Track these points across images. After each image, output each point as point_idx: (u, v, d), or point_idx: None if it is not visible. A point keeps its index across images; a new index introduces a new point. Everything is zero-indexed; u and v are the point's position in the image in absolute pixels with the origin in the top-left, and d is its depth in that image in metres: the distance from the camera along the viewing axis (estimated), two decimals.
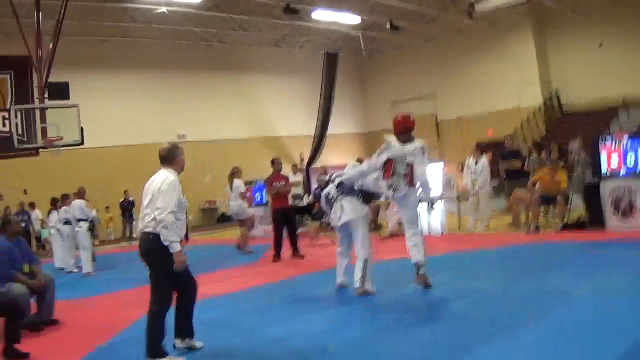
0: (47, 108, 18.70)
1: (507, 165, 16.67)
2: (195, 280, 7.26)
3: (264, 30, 32.45)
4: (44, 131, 18.52)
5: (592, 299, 7.75)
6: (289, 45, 35.93)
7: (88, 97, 24.06)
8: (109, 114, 28.77)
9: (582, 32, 31.46)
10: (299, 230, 17.06)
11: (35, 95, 20.00)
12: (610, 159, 13.64)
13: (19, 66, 23.83)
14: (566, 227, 14.22)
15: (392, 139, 9.40)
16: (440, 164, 17.95)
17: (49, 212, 18.67)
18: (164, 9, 26.53)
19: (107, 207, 28.02)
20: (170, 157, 7.07)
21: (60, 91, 19.13)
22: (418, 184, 9.45)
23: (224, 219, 31.70)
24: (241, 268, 14.60)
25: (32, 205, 24.45)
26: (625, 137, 13.76)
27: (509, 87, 32.50)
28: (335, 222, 10.05)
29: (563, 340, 6.17)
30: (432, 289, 9.26)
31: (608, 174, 13.66)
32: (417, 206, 9.84)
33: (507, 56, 33.11)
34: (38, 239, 25.04)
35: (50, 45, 18.92)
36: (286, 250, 15.03)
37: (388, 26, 31.11)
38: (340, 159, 34.78)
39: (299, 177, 22.11)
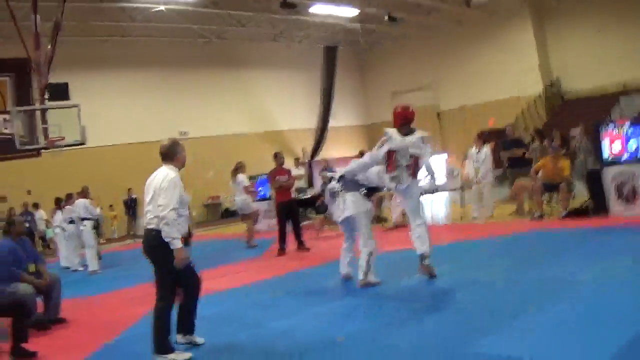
0: (48, 109, 18.70)
1: (510, 153, 16.65)
2: (199, 276, 7.25)
3: (262, 26, 32.46)
4: (45, 132, 18.54)
5: (596, 287, 7.73)
6: (288, 40, 35.94)
7: (88, 97, 24.10)
8: (110, 113, 28.82)
9: (581, 19, 31.45)
10: (304, 223, 17.09)
11: (36, 96, 20.02)
12: (612, 145, 13.64)
13: (18, 68, 23.82)
14: (570, 214, 14.19)
15: (393, 132, 9.38)
16: (444, 155, 17.93)
17: (53, 212, 18.70)
18: (161, 8, 26.55)
19: (111, 206, 28.07)
20: (170, 153, 7.06)
21: (60, 92, 19.19)
22: (424, 174, 9.46)
23: (228, 214, 31.82)
24: (246, 262, 14.63)
25: (36, 206, 24.49)
26: (627, 123, 13.74)
27: (509, 76, 32.46)
28: (337, 217, 10.07)
29: (567, 329, 6.15)
30: (437, 279, 9.26)
31: (610, 159, 13.66)
32: (420, 197, 9.84)
33: (506, 45, 33.09)
34: (43, 238, 25.10)
35: (49, 47, 18.93)
36: (291, 243, 15.04)
37: (386, 18, 31.10)
38: (343, 151, 34.82)
39: (301, 171, 22.14)
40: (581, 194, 15.23)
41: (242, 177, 17.21)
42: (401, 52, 38.35)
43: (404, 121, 9.47)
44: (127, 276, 14.05)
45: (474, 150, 16.86)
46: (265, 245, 16.72)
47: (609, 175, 13.42)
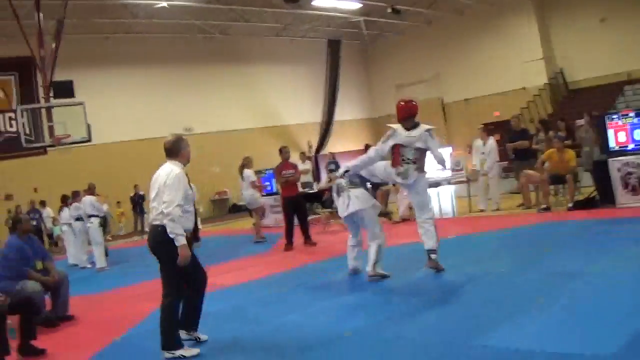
0: (53, 107, 18.77)
1: (515, 145, 16.60)
2: (205, 272, 7.26)
3: (265, 21, 32.38)
4: (51, 130, 18.61)
5: (604, 278, 7.72)
6: (291, 35, 35.87)
7: (93, 94, 24.19)
8: (115, 110, 28.80)
9: (584, 9, 31.33)
10: (310, 218, 17.10)
11: (41, 94, 20.09)
12: (617, 135, 13.63)
13: (22, 67, 23.98)
14: (576, 205, 14.16)
15: (397, 127, 9.36)
16: (449, 149, 17.91)
17: (60, 210, 18.73)
18: (164, 4, 26.51)
19: (118, 202, 28.10)
20: (175, 149, 7.04)
21: (65, 89, 19.21)
22: (436, 167, 9.46)
23: (235, 210, 31.84)
24: (254, 257, 14.62)
25: (42, 204, 24.51)
26: (633, 113, 13.72)
27: (513, 67, 32.35)
28: (341, 212, 10.07)
29: (575, 321, 6.16)
30: (445, 272, 9.26)
31: (617, 148, 13.64)
32: (427, 191, 9.83)
33: (510, 36, 33.01)
34: (50, 236, 25.13)
35: (53, 45, 18.96)
36: (298, 238, 15.04)
37: (389, 10, 31.05)
38: (348, 145, 34.86)
39: (307, 165, 22.15)
40: (588, 185, 15.21)
41: (248, 172, 17.23)
42: (405, 45, 38.27)
43: (408, 115, 9.43)
44: (135, 273, 14.07)
45: (479, 142, 16.86)
46: (273, 240, 16.73)
47: (615, 166, 13.38)
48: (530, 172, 15.41)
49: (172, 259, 6.62)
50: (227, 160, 29.29)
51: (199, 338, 7.17)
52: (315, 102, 36.57)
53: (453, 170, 17.52)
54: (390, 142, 9.30)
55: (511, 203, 16.85)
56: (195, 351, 6.80)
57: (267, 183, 20.12)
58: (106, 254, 16.58)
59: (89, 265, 16.81)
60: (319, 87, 36.62)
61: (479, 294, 7.94)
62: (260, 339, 7.25)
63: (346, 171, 9.88)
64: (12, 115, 23.96)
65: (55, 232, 24.37)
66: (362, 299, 8.62)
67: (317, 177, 27.38)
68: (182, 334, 7.06)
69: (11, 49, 22.00)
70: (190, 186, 7.03)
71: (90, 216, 16.06)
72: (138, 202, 27.02)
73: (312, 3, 29.82)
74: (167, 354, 6.67)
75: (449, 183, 17.95)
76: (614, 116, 14.00)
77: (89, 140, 19.30)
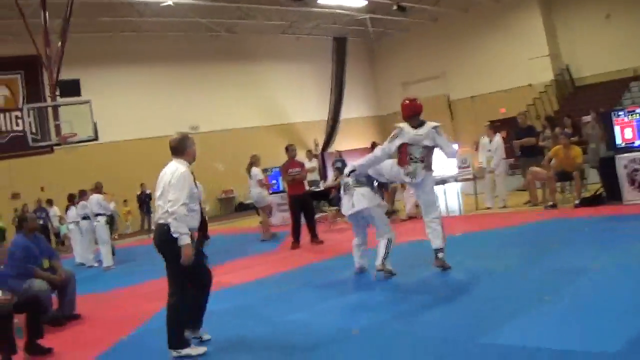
0: (59, 105, 18.81)
1: (522, 142, 16.55)
2: (210, 271, 7.25)
3: (271, 18, 32.37)
4: (57, 128, 18.64)
5: (610, 275, 7.71)
6: (297, 32, 35.86)
7: (99, 92, 24.22)
8: (121, 109, 28.84)
9: (589, 4, 31.29)
10: (317, 216, 17.10)
11: (47, 93, 20.14)
12: (624, 132, 13.60)
13: (29, 66, 24.04)
14: (583, 202, 14.14)
15: (404, 125, 9.34)
16: (455, 146, 17.90)
17: (67, 208, 18.76)
18: (170, 2, 26.51)
19: (125, 201, 28.14)
20: (180, 147, 7.03)
21: (71, 88, 19.29)
22: (448, 160, 9.47)
23: (241, 208, 31.86)
24: (261, 256, 14.63)
25: (49, 202, 24.55)
26: (639, 110, 13.68)
27: (519, 64, 32.27)
28: (346, 211, 10.06)
29: (582, 318, 6.14)
30: (452, 270, 9.24)
31: (623, 145, 13.61)
32: (434, 190, 9.81)
33: (515, 33, 32.93)
34: (57, 235, 25.16)
35: (59, 44, 18.99)
36: (305, 236, 15.04)
37: (395, 7, 31.02)
38: (355, 143, 34.85)
39: (314, 163, 22.14)
40: (595, 181, 15.18)
41: (256, 171, 17.27)
42: (411, 42, 38.23)
43: (413, 113, 9.43)
44: (142, 271, 14.07)
45: (485, 139, 16.83)
46: (280, 239, 16.75)
47: (622, 163, 13.35)
48: (537, 169, 15.38)
49: (178, 257, 6.61)
50: (233, 159, 29.34)
51: (203, 337, 7.16)
52: (322, 100, 36.56)
53: (459, 167, 17.51)
54: (398, 142, 9.26)
55: (518, 200, 16.83)
56: (201, 350, 6.80)
57: (274, 181, 20.12)
58: (113, 253, 16.61)
59: (95, 264, 16.84)
60: (325, 84, 36.62)
61: (485, 291, 7.93)
62: (267, 337, 7.25)
63: (352, 170, 9.87)
64: (19, 114, 24.05)
65: (62, 231, 24.39)
66: (368, 298, 8.62)
67: (323, 175, 27.36)
68: (186, 333, 7.05)
69: (17, 47, 22.07)
70: (196, 184, 7.02)
71: (97, 215, 16.10)
72: (145, 201, 27.05)
73: (318, 1, 29.79)
74: (174, 353, 6.67)
75: (456, 180, 17.95)
76: (620, 113, 13.99)
77: (96, 139, 19.33)
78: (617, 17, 29.91)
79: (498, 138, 16.71)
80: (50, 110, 19.16)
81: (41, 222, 21.91)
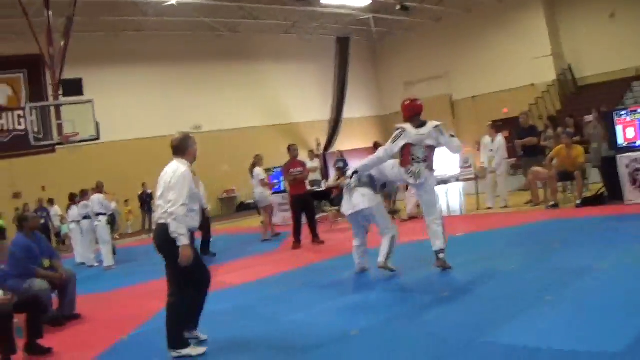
0: (61, 105, 18.83)
1: (524, 142, 16.54)
2: (209, 272, 7.23)
3: (274, 18, 32.41)
4: (59, 128, 18.66)
5: (612, 275, 7.69)
6: (300, 32, 35.87)
7: (102, 92, 24.21)
8: (124, 108, 28.87)
9: (592, 4, 31.33)
10: (318, 216, 17.09)
11: (50, 92, 20.15)
12: (626, 131, 13.59)
13: (32, 65, 24.04)
14: (584, 202, 14.12)
15: (406, 126, 9.33)
16: (458, 140, 17.88)
17: (68, 208, 18.76)
18: (173, 2, 26.53)
19: (126, 201, 28.15)
20: (182, 147, 7.01)
21: (74, 87, 19.27)
22: (450, 161, 9.47)
23: (243, 208, 31.88)
24: (262, 256, 14.63)
25: (51, 202, 24.56)
26: None
27: (522, 64, 32.31)
28: (346, 210, 10.06)
29: (583, 318, 6.13)
30: (453, 270, 9.24)
31: (625, 145, 13.60)
32: (435, 190, 9.80)
33: (518, 32, 32.96)
34: (58, 234, 25.17)
35: (62, 43, 19.00)
36: (306, 236, 15.02)
37: (398, 7, 31.03)
38: (357, 143, 34.86)
39: (316, 163, 22.13)
40: (597, 181, 15.17)
41: (258, 170, 17.30)
42: (413, 42, 38.27)
43: (414, 113, 9.43)
44: (142, 271, 14.07)
45: (487, 139, 16.82)
46: (281, 239, 16.75)
47: (623, 162, 13.33)
48: (538, 169, 15.36)
49: (177, 258, 6.59)
50: (236, 159, 29.42)
51: (199, 337, 7.14)
52: (324, 99, 36.57)
53: (461, 167, 17.49)
54: (401, 142, 9.24)
55: (519, 200, 16.81)
56: (201, 350, 6.79)
57: (276, 181, 20.11)
58: (114, 253, 16.62)
59: (96, 264, 16.86)
60: (328, 84, 36.62)
61: (486, 291, 7.91)
62: (267, 337, 7.24)
63: (355, 172, 9.85)
64: (21, 113, 24.05)
65: (63, 231, 24.40)
66: (369, 298, 8.61)
67: (325, 175, 27.35)
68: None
69: (20, 46, 22.07)
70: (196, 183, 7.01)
71: (98, 214, 16.09)
72: (146, 201, 27.08)
73: (321, 0, 29.81)
74: (174, 353, 6.66)
75: (457, 180, 17.94)
76: (623, 112, 13.97)
77: (98, 138, 19.37)
78: (621, 17, 29.94)
79: (500, 138, 16.69)
80: (52, 109, 19.20)
81: (42, 221, 21.93)
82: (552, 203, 14.76)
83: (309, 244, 14.83)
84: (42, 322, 7.87)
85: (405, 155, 9.28)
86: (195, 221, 6.91)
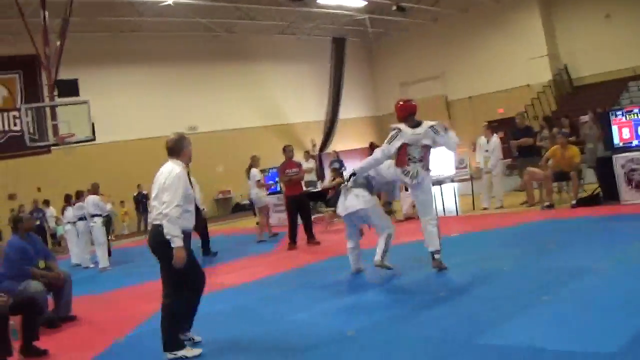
0: (57, 105, 18.79)
1: (519, 142, 16.56)
2: (203, 273, 7.21)
3: (270, 19, 32.40)
4: (55, 129, 18.62)
5: (609, 274, 7.69)
6: (296, 33, 35.88)
7: (98, 93, 24.21)
8: (120, 109, 28.87)
9: (588, 4, 31.41)
10: (314, 217, 17.09)
11: (45, 93, 20.12)
12: (621, 131, 13.61)
13: (27, 65, 24.00)
14: (580, 202, 14.13)
15: (402, 126, 9.33)
16: (454, 136, 17.90)
17: (64, 209, 18.74)
18: (169, 2, 26.53)
19: (122, 202, 28.14)
20: (177, 148, 7.00)
21: (69, 88, 19.22)
22: (446, 161, 9.50)
23: (238, 209, 31.88)
24: (257, 257, 14.63)
25: (46, 203, 24.54)
26: (637, 110, 13.69)
27: (518, 64, 32.37)
28: (341, 211, 10.05)
29: (580, 318, 6.13)
30: (449, 270, 9.25)
31: (621, 145, 13.62)
32: (431, 190, 9.81)
33: (514, 33, 33.03)
34: (53, 236, 25.16)
35: (58, 43, 18.98)
36: (302, 237, 15.02)
37: (394, 8, 31.05)
38: (352, 143, 34.89)
39: (311, 164, 22.14)
40: (592, 182, 15.18)
41: (254, 171, 17.34)
42: (409, 43, 38.30)
43: (408, 113, 9.43)
44: (138, 273, 14.08)
45: (483, 139, 16.83)
46: (276, 240, 16.75)
47: (619, 163, 13.35)
48: (534, 169, 15.37)
49: (172, 259, 6.59)
50: (231, 159, 29.41)
51: (193, 339, 7.13)
52: (320, 100, 36.61)
53: (457, 168, 17.51)
54: (397, 143, 9.23)
55: (515, 201, 16.82)
56: (197, 351, 6.77)
57: (272, 182, 20.10)
58: (109, 254, 16.61)
59: (92, 265, 16.84)
60: (324, 85, 36.66)
61: (483, 292, 7.90)
62: (263, 338, 7.24)
63: (353, 174, 9.84)
64: (17, 114, 23.99)
65: (58, 232, 24.39)
66: (365, 298, 8.60)
67: (321, 176, 27.35)
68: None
69: (16, 47, 22.04)
70: (192, 184, 7.00)
71: (93, 216, 16.07)
72: (141, 202, 27.09)
73: (317, 1, 29.83)
74: (170, 355, 6.65)
75: (453, 181, 17.94)
76: (618, 112, 13.99)
77: (93, 139, 19.33)
78: (617, 17, 30.01)
79: (496, 138, 16.71)
80: (48, 110, 19.14)
81: (38, 222, 21.93)
82: (547, 203, 14.78)
83: (305, 245, 14.82)
84: (37, 324, 7.86)
85: (402, 155, 9.27)
86: (190, 222, 6.91)
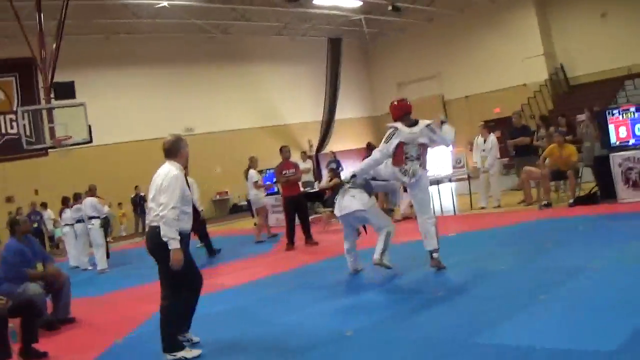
0: (53, 108, 18.75)
1: (516, 142, 16.58)
2: (200, 274, 7.23)
3: (266, 20, 32.40)
4: (52, 131, 18.58)
5: (606, 273, 7.71)
6: (292, 33, 35.88)
7: (94, 95, 24.17)
8: (116, 111, 28.81)
9: (584, 3, 31.44)
10: (312, 217, 17.10)
11: (42, 95, 20.06)
12: (618, 130, 13.64)
13: (23, 68, 23.92)
14: (577, 201, 14.15)
15: (398, 125, 9.34)
16: (450, 131, 17.90)
17: (61, 211, 18.72)
18: (165, 3, 26.50)
19: (119, 204, 28.13)
20: (174, 149, 7.01)
21: (66, 90, 19.17)
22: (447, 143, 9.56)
23: (236, 210, 31.87)
24: (255, 258, 14.63)
25: (44, 205, 24.51)
26: (633, 108, 13.72)
27: (514, 64, 32.36)
28: (337, 211, 10.06)
29: (577, 317, 6.14)
30: (447, 270, 9.26)
31: (617, 144, 13.65)
32: (429, 189, 9.82)
33: (510, 32, 33.03)
34: (51, 238, 25.14)
35: (54, 46, 18.94)
36: (299, 238, 15.02)
37: (390, 8, 31.05)
38: (349, 143, 34.88)
39: (308, 164, 22.14)
40: (589, 181, 15.20)
41: (252, 172, 17.37)
42: (405, 43, 38.29)
43: (403, 113, 9.45)
44: (136, 274, 14.06)
45: (480, 139, 16.85)
46: (274, 240, 16.76)
47: (616, 161, 13.37)
48: (531, 168, 15.39)
49: (169, 260, 6.59)
50: (228, 160, 29.40)
51: (192, 339, 7.14)
52: (316, 100, 36.58)
53: (454, 167, 17.52)
54: (395, 141, 9.24)
55: (512, 200, 16.84)
56: (196, 352, 6.78)
57: (269, 182, 20.11)
58: (107, 256, 16.60)
59: (90, 267, 16.83)
60: (320, 85, 36.64)
61: (480, 291, 7.92)
62: (262, 339, 7.25)
63: (353, 176, 9.85)
64: (13, 116, 23.94)
65: (56, 234, 24.37)
66: (363, 299, 8.61)
67: (318, 176, 27.35)
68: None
69: (12, 50, 21.97)
70: (188, 184, 7.01)
71: (91, 218, 16.06)
72: (139, 203, 27.06)
73: (313, 1, 29.82)
74: (169, 356, 6.65)
75: (450, 180, 17.95)
76: (615, 111, 14.02)
77: (90, 142, 19.28)
78: (612, 16, 30.02)
79: (492, 138, 16.72)
80: (44, 112, 19.10)
81: (35, 225, 21.91)
82: (544, 202, 14.79)
83: (303, 246, 14.83)
84: (37, 327, 7.85)
85: (399, 154, 9.28)
86: (188, 224, 6.91)
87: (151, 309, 8.47)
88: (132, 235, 27.69)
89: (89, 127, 18.69)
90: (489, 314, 6.75)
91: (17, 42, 19.83)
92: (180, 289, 6.85)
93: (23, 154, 21.48)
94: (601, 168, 14.02)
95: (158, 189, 6.73)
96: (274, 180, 18.27)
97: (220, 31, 32.65)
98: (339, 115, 37.11)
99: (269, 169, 20.28)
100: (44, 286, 9.16)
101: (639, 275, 7.38)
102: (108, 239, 18.95)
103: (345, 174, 10.36)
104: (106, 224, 17.85)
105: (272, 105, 35.62)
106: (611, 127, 13.77)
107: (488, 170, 16.51)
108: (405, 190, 12.03)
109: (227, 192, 33.11)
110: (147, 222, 7.04)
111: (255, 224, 17.94)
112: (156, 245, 6.69)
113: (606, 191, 13.80)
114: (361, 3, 31.49)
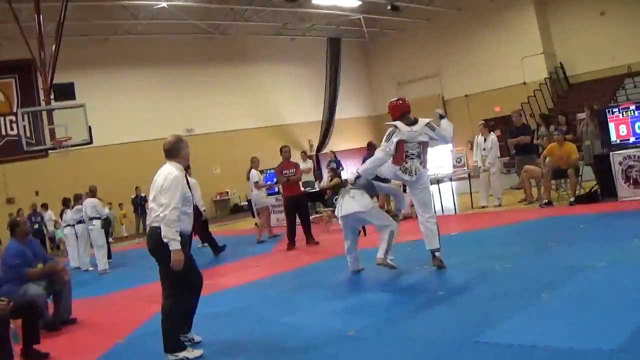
0: (53, 109, 18.77)
1: (516, 140, 16.57)
2: (201, 274, 7.25)
3: (265, 20, 32.40)
4: (52, 132, 18.59)
5: (607, 272, 7.70)
6: (292, 33, 35.87)
7: (94, 96, 24.18)
8: (116, 112, 28.82)
9: (583, 2, 31.46)
10: (312, 217, 17.09)
11: (41, 97, 20.07)
12: (618, 128, 13.64)
13: (23, 69, 23.93)
14: (578, 200, 14.14)
15: (398, 123, 9.34)
16: (449, 145, 17.92)
17: (62, 212, 18.72)
18: (164, 4, 26.52)
19: (120, 204, 28.13)
20: (174, 150, 7.00)
21: (66, 92, 19.19)
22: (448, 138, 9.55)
23: (236, 210, 31.88)
24: (256, 258, 14.62)
25: (44, 207, 24.50)
26: (633, 106, 13.72)
27: (513, 62, 32.42)
28: (338, 212, 10.05)
29: (579, 315, 6.13)
30: (448, 269, 9.25)
31: (618, 141, 13.65)
32: (429, 187, 9.82)
33: (509, 31, 33.05)
34: (52, 239, 25.13)
35: (53, 47, 18.95)
36: (300, 238, 15.01)
37: (389, 7, 31.06)
38: (349, 143, 34.88)
39: (309, 164, 22.14)
40: (589, 179, 15.19)
41: (253, 173, 17.35)
42: (405, 42, 38.29)
43: (402, 112, 9.46)
44: (137, 275, 14.07)
45: (480, 138, 16.85)
46: (275, 240, 16.75)
47: (616, 160, 13.36)
48: (532, 167, 15.39)
49: (170, 261, 6.60)
50: (229, 161, 29.41)
51: (193, 339, 7.15)
52: (316, 100, 36.55)
53: (454, 166, 17.51)
54: (395, 139, 9.24)
55: (513, 199, 16.83)
56: (198, 352, 6.78)
57: (270, 182, 20.11)
58: (109, 257, 16.60)
59: (91, 268, 16.82)
60: (320, 85, 36.60)
61: (481, 291, 7.91)
62: (263, 339, 7.25)
63: (357, 177, 9.83)
64: (13, 118, 23.95)
65: (57, 235, 24.34)
66: (364, 298, 8.62)
67: (318, 176, 27.34)
68: None
69: (12, 51, 21.98)
70: (189, 184, 7.01)
71: (91, 219, 16.06)
72: (140, 204, 27.03)
73: (312, 1, 29.83)
74: (171, 356, 6.65)
75: (451, 179, 17.94)
76: (615, 109, 14.02)
77: (90, 143, 19.30)
78: (612, 14, 30.05)
79: (493, 137, 16.71)
80: (44, 114, 19.12)
81: (36, 226, 21.92)
82: (545, 201, 14.77)
83: (304, 246, 14.81)
84: (38, 328, 7.85)
85: (400, 152, 9.27)
86: (188, 225, 6.91)
87: (153, 310, 8.48)
88: (133, 235, 27.68)
89: (89, 128, 18.71)
90: (491, 313, 6.74)
91: (17, 43, 19.84)
92: (181, 288, 6.85)
93: (23, 156, 21.50)
94: (601, 166, 14.01)
95: (159, 189, 6.72)
96: (275, 180, 18.27)
97: (219, 32, 32.67)
98: (339, 115, 37.08)
99: (270, 169, 20.26)
100: (45, 287, 9.16)
101: (638, 274, 7.37)
102: (110, 240, 18.92)
103: (349, 176, 10.30)
104: (107, 225, 17.83)
105: (272, 105, 35.62)
106: (611, 126, 13.76)
107: (489, 169, 16.50)
108: (405, 190, 12.02)
109: (227, 193, 33.12)
110: (147, 222, 7.03)
111: (256, 224, 17.94)
112: (157, 246, 6.69)
113: (607, 189, 13.79)
114: (360, 2, 31.52)
